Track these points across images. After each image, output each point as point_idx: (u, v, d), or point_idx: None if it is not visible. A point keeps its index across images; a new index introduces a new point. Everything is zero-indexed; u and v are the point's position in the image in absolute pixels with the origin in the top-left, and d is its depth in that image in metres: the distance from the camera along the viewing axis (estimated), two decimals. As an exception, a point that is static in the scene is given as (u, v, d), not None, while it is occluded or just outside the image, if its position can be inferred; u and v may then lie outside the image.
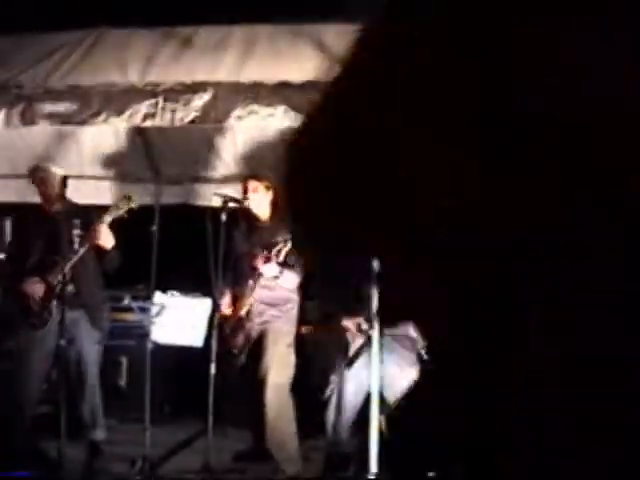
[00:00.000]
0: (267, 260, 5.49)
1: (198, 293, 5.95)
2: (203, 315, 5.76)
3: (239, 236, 5.85)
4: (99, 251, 5.46)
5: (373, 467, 4.73)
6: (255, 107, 4.88)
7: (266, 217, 5.80)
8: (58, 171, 5.65)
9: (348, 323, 5.47)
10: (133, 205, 5.49)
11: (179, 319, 5.71)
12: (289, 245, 5.41)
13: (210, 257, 5.25)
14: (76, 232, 5.28)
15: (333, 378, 5.51)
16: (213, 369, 5.32)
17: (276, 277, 5.55)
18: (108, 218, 5.40)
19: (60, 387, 5.29)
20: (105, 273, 5.69)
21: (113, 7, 5.76)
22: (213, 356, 5.34)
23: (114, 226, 5.48)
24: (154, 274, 6.04)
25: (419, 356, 5.24)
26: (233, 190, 6.15)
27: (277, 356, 5.58)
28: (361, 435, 5.11)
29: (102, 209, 5.55)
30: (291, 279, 5.63)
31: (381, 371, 4.84)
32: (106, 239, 5.42)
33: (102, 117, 4.93)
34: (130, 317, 7.11)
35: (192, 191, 7.44)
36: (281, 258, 5.46)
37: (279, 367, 5.57)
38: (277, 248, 5.45)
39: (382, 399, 4.91)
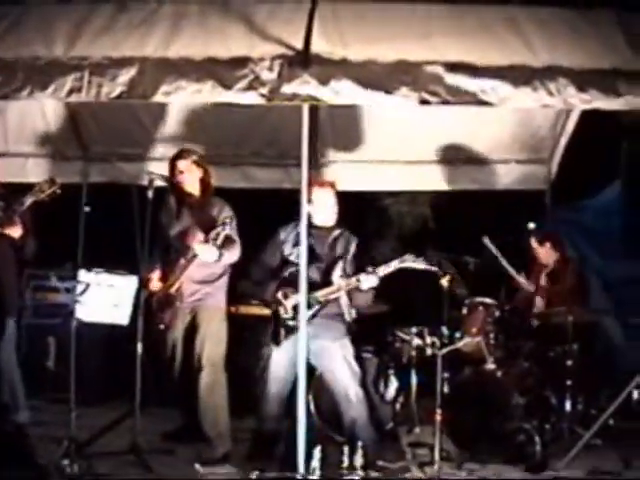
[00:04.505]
0: (205, 241, 5.44)
1: (124, 271, 5.87)
2: (129, 293, 5.69)
3: (168, 214, 5.78)
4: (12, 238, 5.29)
5: (301, 448, 4.72)
6: (182, 83, 4.80)
7: (197, 194, 5.75)
8: None
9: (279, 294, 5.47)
10: (56, 189, 5.28)
11: (104, 297, 5.62)
12: (227, 229, 5.40)
13: (137, 235, 5.18)
14: None
15: (264, 353, 5.51)
16: (140, 348, 5.26)
17: (216, 261, 5.52)
18: (28, 201, 5.24)
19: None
20: (25, 259, 5.51)
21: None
22: (140, 335, 5.28)
23: (35, 208, 5.29)
24: (81, 253, 5.93)
25: (348, 326, 5.55)
26: (162, 168, 6.07)
27: (211, 332, 5.59)
28: (291, 415, 5.11)
29: (25, 191, 5.34)
30: (229, 259, 5.60)
31: (319, 345, 5.30)
32: (13, 228, 5.27)
33: (26, 91, 4.77)
34: (58, 297, 6.99)
35: (120, 169, 7.33)
36: (219, 242, 5.42)
37: (213, 343, 5.58)
38: (215, 231, 5.41)
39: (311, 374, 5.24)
